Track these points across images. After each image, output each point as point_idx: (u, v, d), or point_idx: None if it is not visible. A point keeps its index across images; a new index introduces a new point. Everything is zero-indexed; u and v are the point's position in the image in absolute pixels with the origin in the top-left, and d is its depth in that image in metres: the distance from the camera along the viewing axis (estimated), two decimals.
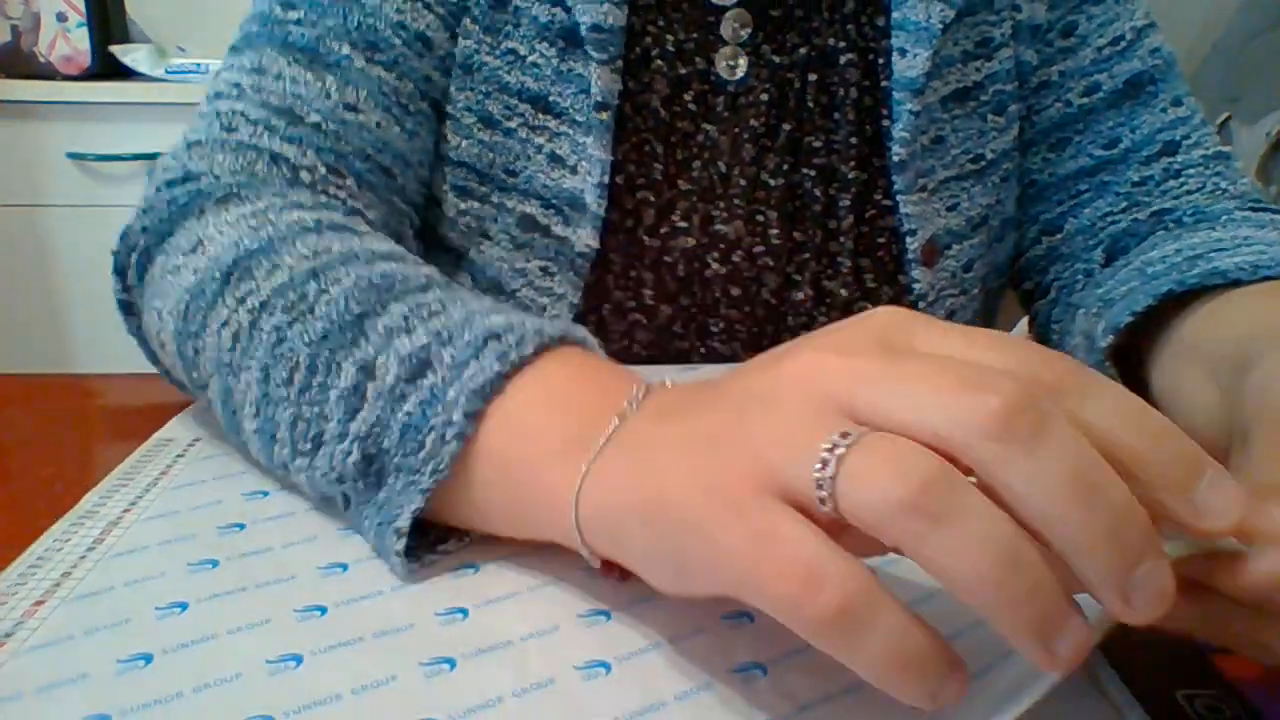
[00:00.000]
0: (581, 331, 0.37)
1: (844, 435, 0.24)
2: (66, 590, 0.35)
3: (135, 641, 0.32)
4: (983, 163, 0.60)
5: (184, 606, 0.34)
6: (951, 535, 0.22)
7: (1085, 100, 0.61)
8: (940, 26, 0.54)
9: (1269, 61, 1.43)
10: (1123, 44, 0.60)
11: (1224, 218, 0.56)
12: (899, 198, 0.57)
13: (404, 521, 0.34)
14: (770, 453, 0.25)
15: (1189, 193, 0.59)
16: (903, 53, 0.55)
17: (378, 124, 0.53)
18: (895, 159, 0.56)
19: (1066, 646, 0.22)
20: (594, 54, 0.53)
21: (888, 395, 0.24)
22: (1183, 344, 0.44)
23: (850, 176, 0.57)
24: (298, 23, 0.52)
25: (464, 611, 0.34)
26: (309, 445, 0.37)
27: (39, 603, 0.34)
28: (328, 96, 0.51)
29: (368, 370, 0.36)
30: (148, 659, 0.31)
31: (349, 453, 0.36)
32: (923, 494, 0.22)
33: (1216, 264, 0.46)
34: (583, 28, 0.53)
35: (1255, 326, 0.39)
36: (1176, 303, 0.46)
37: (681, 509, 0.26)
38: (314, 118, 0.51)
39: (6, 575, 0.36)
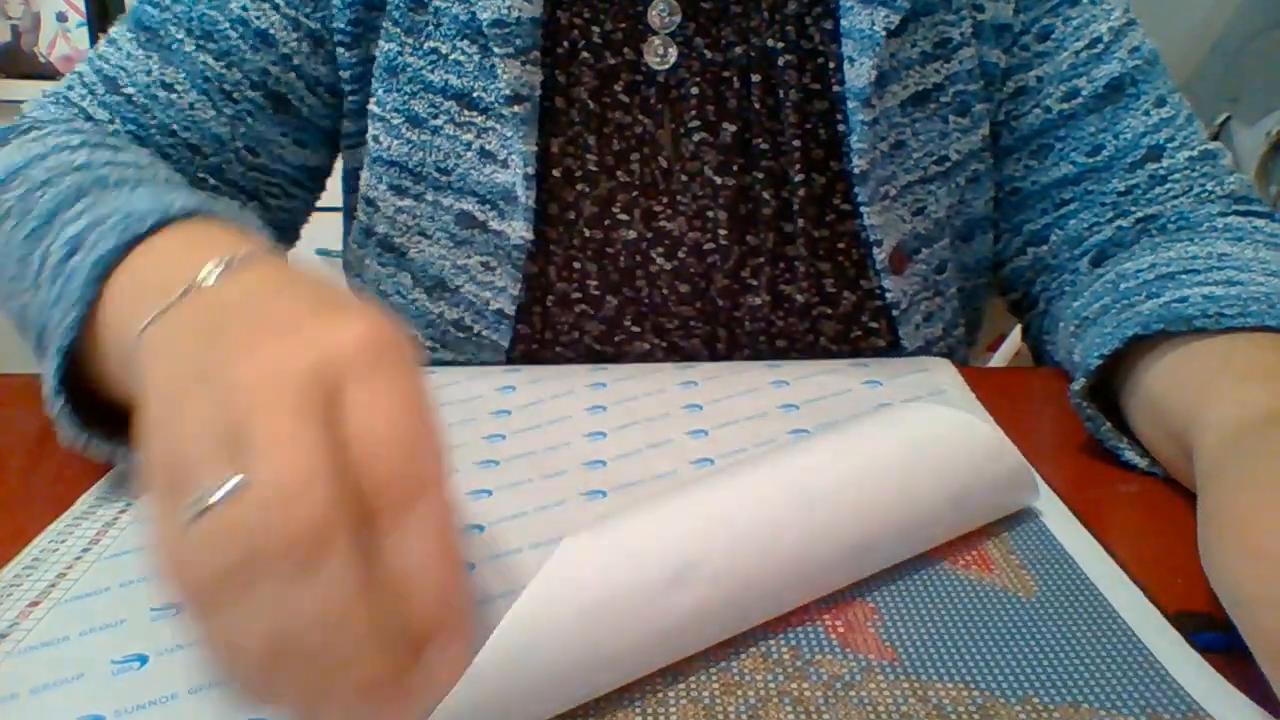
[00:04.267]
0: (219, 205, 0.41)
1: (219, 484, 0.25)
2: (62, 591, 0.35)
3: (130, 642, 0.32)
4: (947, 164, 0.59)
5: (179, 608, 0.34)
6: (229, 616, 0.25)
7: (1065, 106, 0.60)
8: (884, 34, 0.53)
9: (1269, 61, 1.42)
10: (1100, 46, 0.59)
11: (1205, 225, 0.56)
12: (862, 209, 0.56)
13: (50, 392, 0.39)
14: (174, 451, 0.27)
15: (1175, 197, 0.58)
16: (851, 61, 0.54)
17: (192, 105, 0.57)
18: (856, 170, 0.55)
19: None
20: (496, 49, 0.53)
21: (260, 445, 0.25)
22: (1148, 398, 0.45)
23: (797, 180, 0.56)
24: (154, 4, 0.57)
25: None
26: (34, 337, 0.42)
27: (34, 603, 0.34)
28: (148, 74, 0.57)
29: (44, 257, 0.41)
30: (143, 660, 0.31)
31: (32, 336, 0.42)
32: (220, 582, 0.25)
33: (1183, 299, 0.46)
34: (484, 23, 0.53)
35: (1205, 400, 0.41)
36: (1143, 343, 0.46)
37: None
38: (129, 89, 0.57)
39: (2, 576, 0.36)
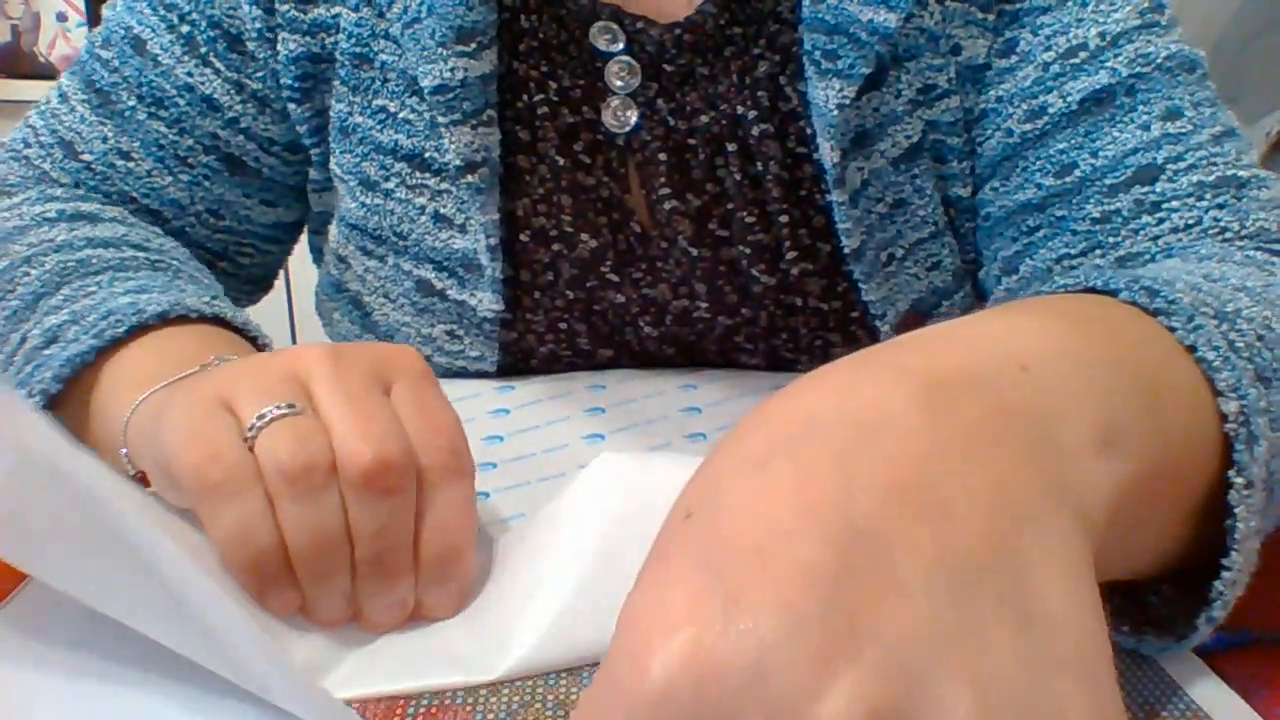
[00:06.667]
0: (189, 295, 0.44)
1: (290, 405, 0.32)
2: None
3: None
4: (960, 207, 0.54)
5: None
6: (295, 505, 0.31)
7: (1029, 127, 0.50)
8: (835, 112, 0.48)
9: (1269, 61, 1.42)
10: (1082, 54, 0.49)
11: (1214, 257, 0.44)
12: (860, 286, 0.52)
13: None
14: (233, 387, 0.33)
15: (1174, 231, 0.47)
16: (815, 137, 0.50)
17: (149, 172, 0.55)
18: (846, 250, 0.51)
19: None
20: (440, 118, 0.49)
21: (326, 399, 0.33)
22: None
23: (790, 256, 0.52)
24: (104, 64, 0.55)
25: None
26: None
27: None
28: (104, 140, 0.55)
29: (23, 340, 0.44)
30: None
31: None
32: (298, 473, 0.31)
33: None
34: (426, 90, 0.49)
35: None
36: None
37: (166, 428, 0.33)
38: (87, 157, 0.55)
39: None
